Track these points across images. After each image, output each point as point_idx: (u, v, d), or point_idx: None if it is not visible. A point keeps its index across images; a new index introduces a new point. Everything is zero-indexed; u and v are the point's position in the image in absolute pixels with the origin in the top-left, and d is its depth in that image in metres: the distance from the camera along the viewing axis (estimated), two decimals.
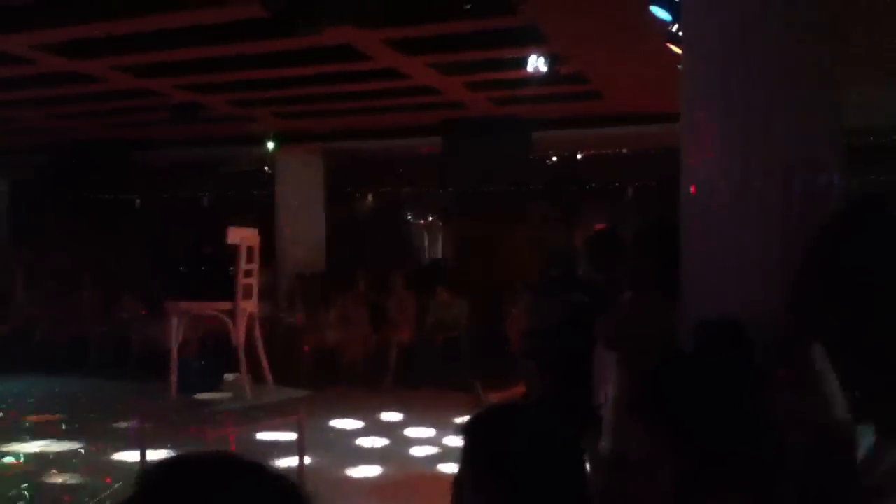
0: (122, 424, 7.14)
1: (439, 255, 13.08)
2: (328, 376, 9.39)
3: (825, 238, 1.46)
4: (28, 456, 6.61)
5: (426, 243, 13.36)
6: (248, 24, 5.71)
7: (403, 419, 8.08)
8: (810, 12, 2.88)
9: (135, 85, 7.94)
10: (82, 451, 6.76)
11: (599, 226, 5.15)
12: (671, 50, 4.12)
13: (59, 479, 6.01)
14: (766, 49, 2.84)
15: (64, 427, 7.57)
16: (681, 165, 3.04)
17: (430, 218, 13.12)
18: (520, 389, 6.16)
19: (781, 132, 2.84)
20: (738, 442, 1.72)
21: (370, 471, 6.34)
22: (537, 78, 6.66)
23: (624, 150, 10.68)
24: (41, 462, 6.43)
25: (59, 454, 6.69)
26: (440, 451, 6.82)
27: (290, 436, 5.61)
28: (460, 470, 1.65)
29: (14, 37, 6.25)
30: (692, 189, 3.01)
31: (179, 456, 0.97)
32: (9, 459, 6.50)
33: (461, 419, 1.71)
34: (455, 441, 6.45)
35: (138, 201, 13.49)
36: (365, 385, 9.40)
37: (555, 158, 11.05)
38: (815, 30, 2.88)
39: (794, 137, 2.83)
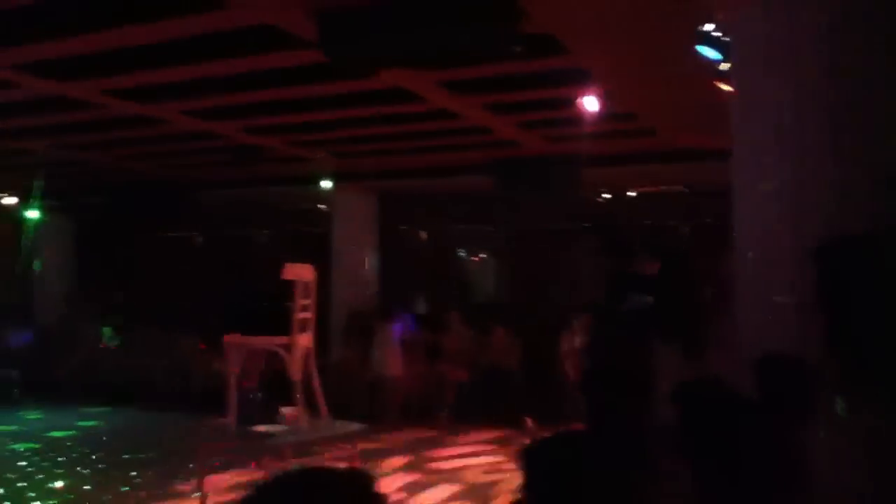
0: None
1: (491, 293, 13.08)
2: (384, 410, 9.46)
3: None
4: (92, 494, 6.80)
5: (479, 280, 13.37)
6: (307, 68, 5.94)
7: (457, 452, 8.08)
8: (856, 44, 2.90)
9: (198, 128, 8.26)
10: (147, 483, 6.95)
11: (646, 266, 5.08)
12: (721, 88, 4.15)
13: None
14: (817, 83, 2.87)
15: (127, 457, 7.81)
16: (733, 199, 3.07)
17: (483, 255, 13.15)
18: (576, 427, 6.08)
19: (833, 170, 2.85)
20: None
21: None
22: (589, 116, 6.70)
23: (679, 189, 10.54)
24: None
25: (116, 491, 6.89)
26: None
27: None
28: (521, 495, 1.69)
29: (85, 83, 6.60)
30: (746, 224, 3.03)
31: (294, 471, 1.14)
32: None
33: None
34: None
35: (200, 239, 13.85)
36: (420, 421, 9.44)
37: (606, 196, 10.98)
38: (865, 62, 2.90)
39: (847, 173, 2.84)
